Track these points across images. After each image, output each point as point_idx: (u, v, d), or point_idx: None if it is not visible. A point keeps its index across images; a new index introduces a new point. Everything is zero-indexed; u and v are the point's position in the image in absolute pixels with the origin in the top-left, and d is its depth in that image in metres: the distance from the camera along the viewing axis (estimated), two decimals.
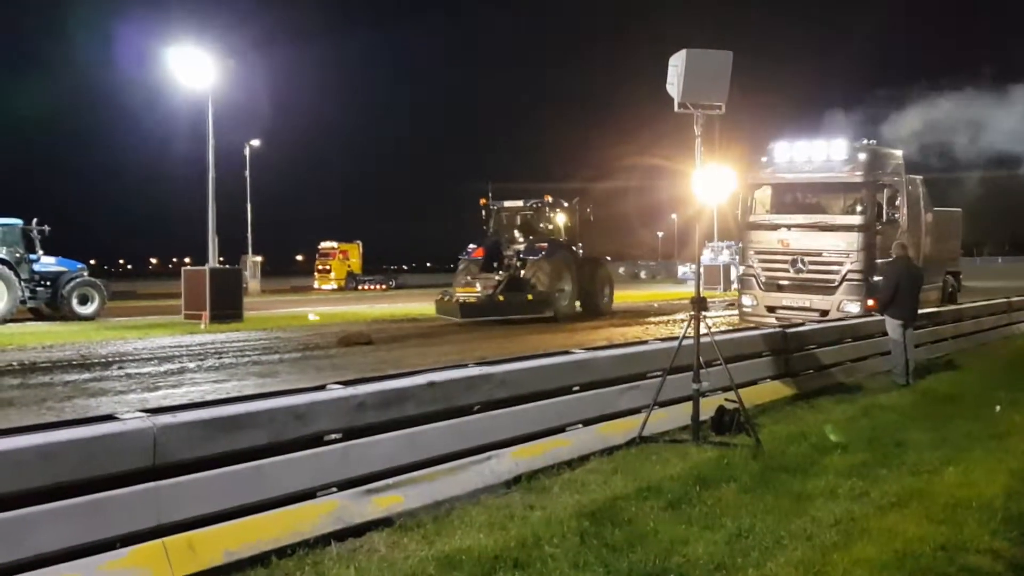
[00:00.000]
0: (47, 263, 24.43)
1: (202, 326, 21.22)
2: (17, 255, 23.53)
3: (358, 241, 56.03)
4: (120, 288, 42.23)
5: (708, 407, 7.97)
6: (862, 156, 17.19)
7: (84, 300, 24.52)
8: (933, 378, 11.89)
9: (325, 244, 54.99)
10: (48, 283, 24.07)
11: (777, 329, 10.88)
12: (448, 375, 6.45)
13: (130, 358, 15.18)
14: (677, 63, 7.87)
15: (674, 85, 7.90)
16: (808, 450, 7.55)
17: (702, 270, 8.53)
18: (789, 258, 17.68)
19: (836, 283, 16.96)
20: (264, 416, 5.17)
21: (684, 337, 7.90)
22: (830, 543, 5.27)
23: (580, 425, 7.33)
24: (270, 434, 5.14)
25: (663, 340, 8.88)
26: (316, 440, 5.41)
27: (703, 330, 7.87)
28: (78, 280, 24.53)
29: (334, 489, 5.38)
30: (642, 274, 72.19)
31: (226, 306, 22.49)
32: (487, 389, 6.58)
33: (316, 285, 53.12)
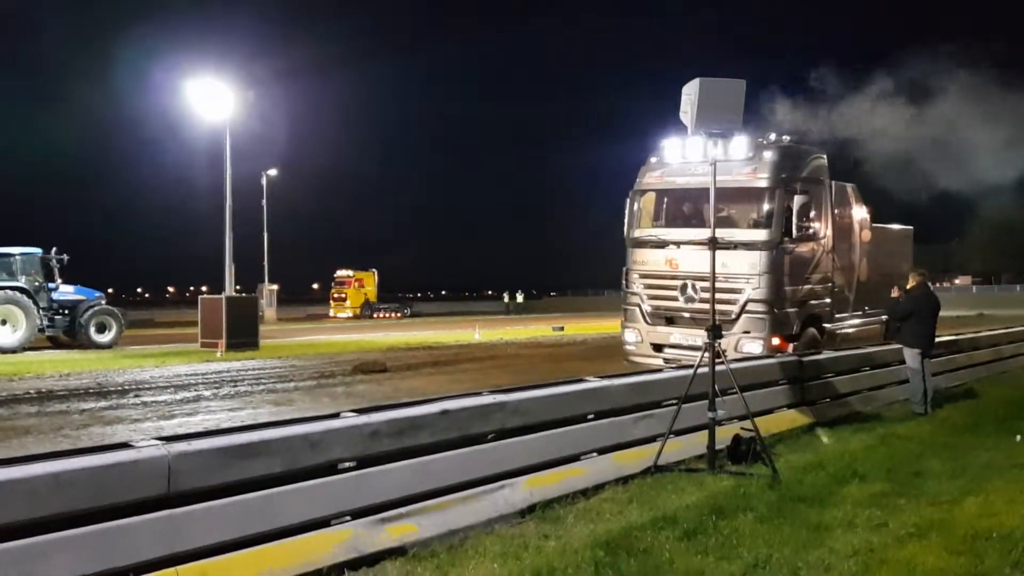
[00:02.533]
0: (65, 291, 24.67)
1: (218, 354, 21.30)
2: (36, 283, 23.77)
3: (373, 269, 56.31)
4: (138, 316, 42.48)
5: (724, 436, 7.91)
6: (768, 155, 13.16)
7: (102, 328, 24.70)
8: (952, 407, 11.75)
9: (341, 272, 55.30)
10: (66, 311, 24.27)
11: (793, 357, 10.80)
12: (462, 403, 6.43)
13: (146, 386, 15.24)
14: (690, 92, 7.91)
15: (687, 113, 7.95)
16: (826, 480, 7.46)
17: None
18: (678, 283, 13.56)
19: (733, 315, 12.89)
20: (278, 444, 5.17)
21: (699, 365, 7.86)
22: (849, 574, 5.20)
23: (595, 454, 7.28)
24: (284, 462, 5.13)
25: (678, 368, 8.83)
26: (330, 468, 5.39)
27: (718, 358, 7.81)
28: (96, 308, 24.72)
29: (348, 518, 5.36)
30: None
31: (242, 334, 22.59)
32: (500, 417, 6.55)
33: (332, 313, 53.34)
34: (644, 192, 14.41)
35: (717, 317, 11.80)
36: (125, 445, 4.69)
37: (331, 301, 55.26)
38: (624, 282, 14.56)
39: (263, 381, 15.93)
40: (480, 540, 5.70)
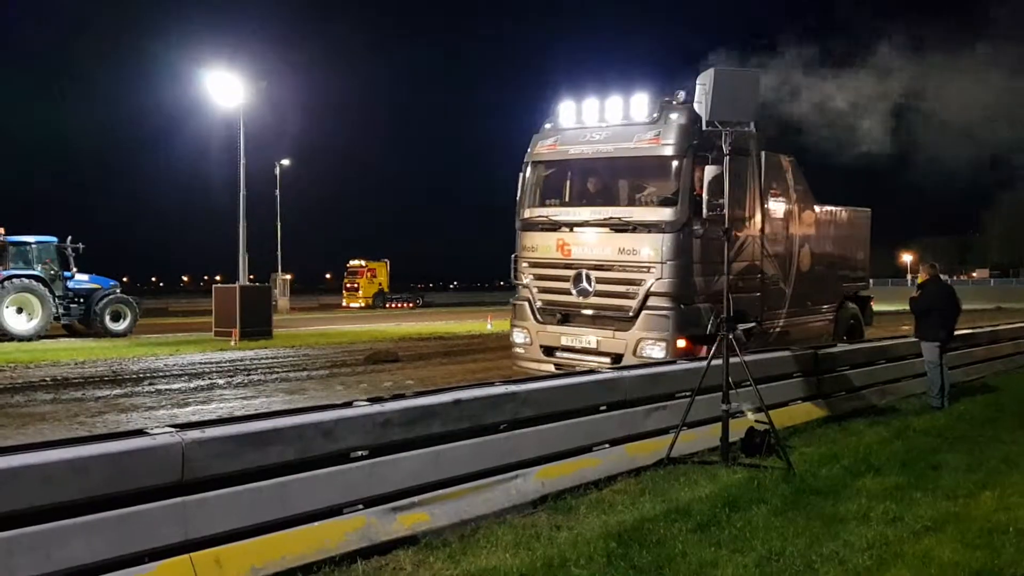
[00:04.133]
0: (81, 280, 24.83)
1: (232, 343, 21.40)
2: (52, 272, 23.93)
3: (386, 260, 56.36)
4: (152, 305, 42.72)
5: (738, 428, 7.88)
6: (675, 117, 10.86)
7: (116, 317, 24.85)
8: (969, 401, 11.67)
9: (353, 262, 55.38)
10: (81, 300, 24.44)
11: (808, 350, 10.73)
12: (474, 393, 6.43)
13: (161, 374, 15.33)
14: (705, 81, 7.87)
15: (702, 103, 7.90)
16: (840, 473, 7.43)
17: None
18: (572, 272, 11.42)
19: (632, 312, 10.85)
20: (291, 432, 5.17)
21: (713, 357, 7.83)
22: (863, 567, 5.17)
23: (607, 445, 7.27)
24: (297, 450, 5.14)
25: (691, 360, 8.80)
26: (343, 457, 5.40)
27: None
28: (111, 297, 24.87)
29: (360, 506, 5.37)
30: None
31: (256, 323, 22.69)
32: (512, 408, 6.54)
33: (344, 303, 53.45)
34: (535, 164, 12.15)
35: (612, 314, 10.92)
36: (140, 432, 4.71)
37: (344, 291, 55.37)
38: (512, 272, 12.41)
39: (276, 370, 15.99)
40: (492, 530, 5.70)
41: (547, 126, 12.15)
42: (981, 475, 7.42)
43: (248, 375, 15.20)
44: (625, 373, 7.84)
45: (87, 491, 4.24)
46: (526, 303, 12.11)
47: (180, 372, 15.66)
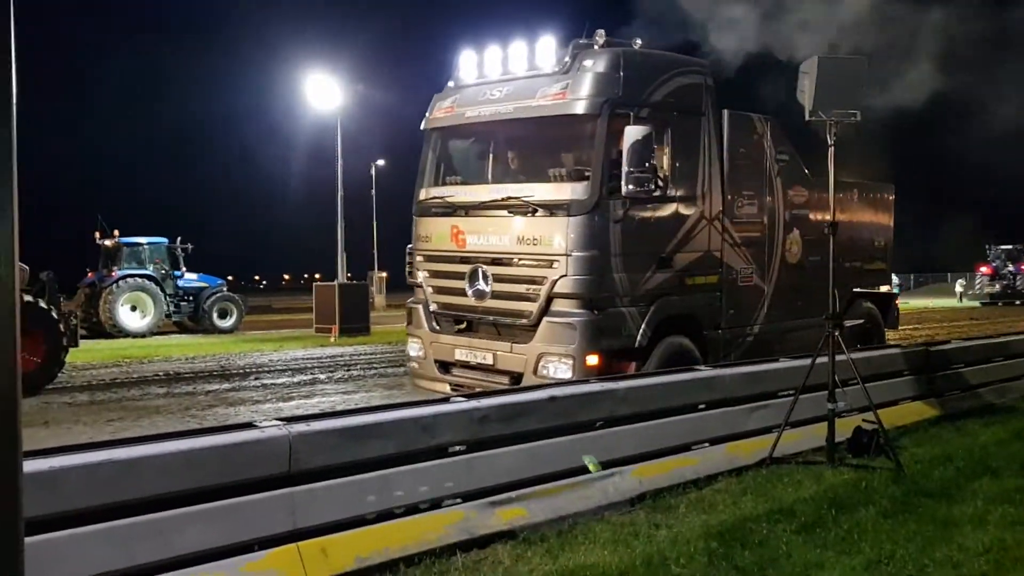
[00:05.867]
0: (190, 279, 25.94)
1: (332, 339, 21.97)
2: (163, 272, 25.08)
3: None
4: (256, 303, 44.22)
5: (844, 428, 7.61)
6: (589, 64, 8.38)
7: (224, 314, 25.87)
8: None
9: None
10: (191, 298, 25.53)
11: (919, 347, 10.24)
12: (569, 390, 6.42)
13: (265, 369, 15.87)
14: (808, 70, 7.59)
15: (805, 93, 7.62)
16: (954, 474, 7.09)
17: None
18: (467, 268, 9.02)
19: (533, 319, 8.41)
20: (391, 427, 5.28)
21: (818, 354, 7.58)
22: (979, 572, 4.93)
23: (707, 444, 7.14)
24: (397, 444, 5.24)
25: (795, 358, 8.54)
26: (441, 451, 5.47)
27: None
28: (218, 295, 25.90)
29: (459, 500, 5.43)
30: None
31: (354, 320, 23.22)
32: (609, 405, 6.50)
33: None
34: (431, 133, 9.82)
35: (511, 321, 8.54)
36: (249, 425, 4.90)
37: None
38: (408, 268, 10.10)
39: (375, 365, 16.33)
40: (590, 527, 5.68)
41: (449, 84, 9.74)
42: None
43: (348, 370, 15.58)
44: (725, 371, 7.69)
45: (200, 481, 4.43)
46: (420, 306, 9.70)
47: (284, 367, 16.17)
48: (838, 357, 7.51)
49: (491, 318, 8.89)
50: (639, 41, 8.85)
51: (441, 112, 9.60)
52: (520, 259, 8.54)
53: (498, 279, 8.78)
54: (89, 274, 24.98)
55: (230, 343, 21.77)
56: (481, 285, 8.90)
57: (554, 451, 6.04)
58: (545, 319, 8.33)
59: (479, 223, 8.94)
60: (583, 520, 5.77)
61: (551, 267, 8.25)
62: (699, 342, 9.17)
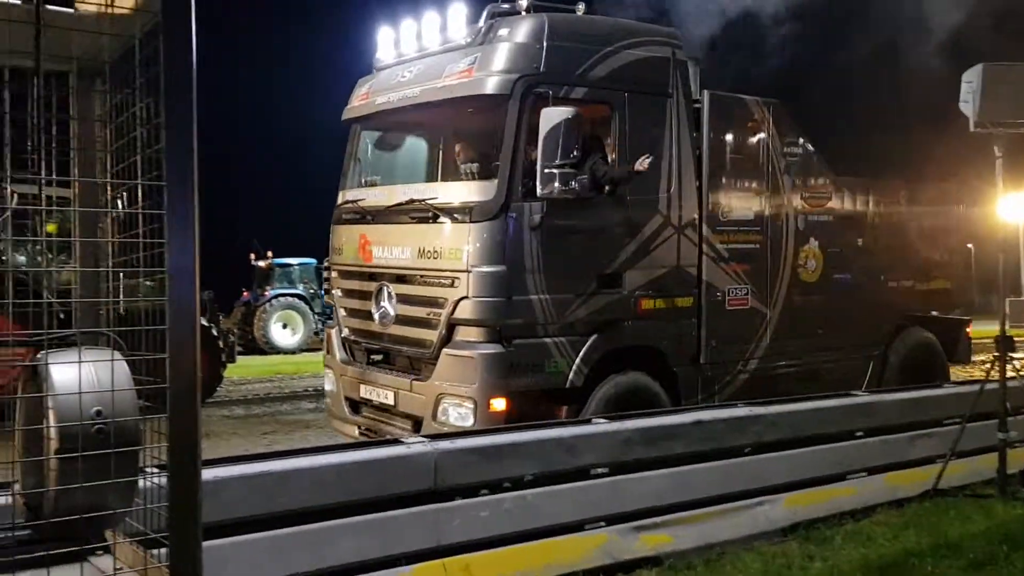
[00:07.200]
0: None
1: None
2: (311, 291, 26.26)
3: None
4: None
5: (1016, 460, 7.04)
6: (505, 34, 6.87)
7: None
8: None
9: None
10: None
11: None
12: (716, 414, 6.26)
13: None
14: (972, 79, 7.09)
15: (969, 103, 7.10)
16: None
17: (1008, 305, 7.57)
18: (374, 286, 7.57)
19: (434, 351, 6.83)
20: (533, 447, 5.29)
21: (987, 380, 7.05)
22: None
23: (864, 473, 6.75)
24: (539, 464, 5.22)
25: (960, 383, 7.98)
26: (583, 473, 5.41)
27: (1010, 372, 6.97)
28: None
29: (602, 523, 5.35)
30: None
31: None
32: (758, 430, 6.27)
33: None
34: (351, 125, 8.38)
35: (413, 352, 7.10)
36: (396, 441, 5.02)
37: None
38: (324, 286, 8.46)
39: None
40: (739, 556, 5.47)
41: (375, 68, 8.35)
42: None
43: None
44: (884, 396, 7.29)
45: (351, 495, 4.55)
46: (334, 331, 8.31)
47: None
48: (1010, 383, 6.96)
49: (396, 348, 7.42)
50: (582, 6, 7.26)
51: (357, 101, 8.18)
52: (423, 276, 7.01)
53: (402, 299, 7.22)
54: (244, 293, 26.46)
55: None
56: (387, 307, 7.37)
57: (701, 477, 5.87)
58: (444, 351, 6.71)
59: (384, 232, 7.47)
60: (732, 549, 5.57)
61: (452, 286, 6.68)
62: (667, 379, 7.35)
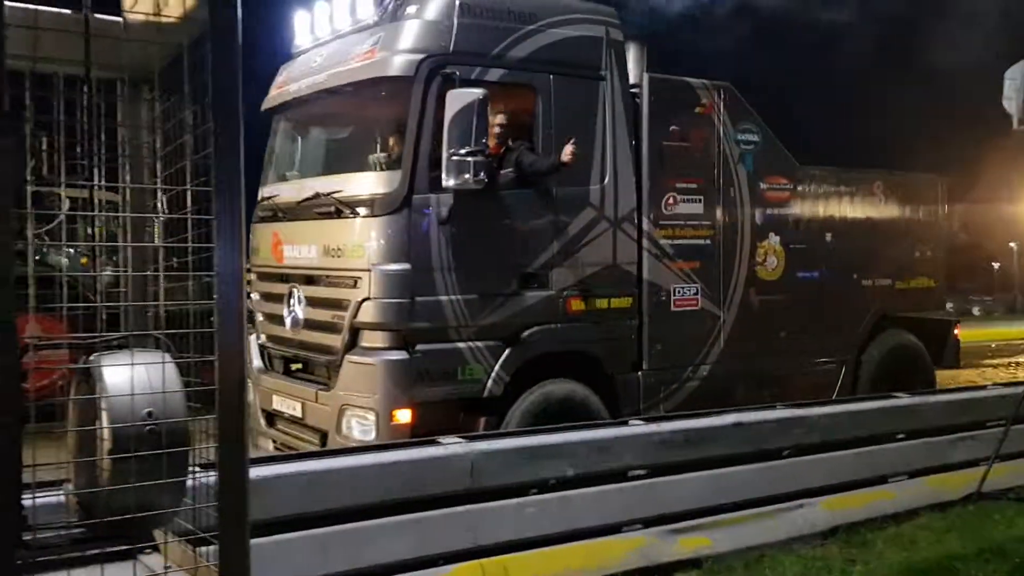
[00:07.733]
0: None
1: None
2: None
3: None
4: None
5: None
6: (413, 11, 6.27)
7: None
8: None
9: None
10: None
11: None
12: (756, 416, 6.19)
13: None
14: (1015, 76, 7.00)
15: (1012, 100, 7.01)
16: None
17: None
18: (285, 289, 7.04)
19: (338, 358, 6.27)
20: (570, 448, 5.27)
21: None
22: None
23: (905, 476, 6.66)
24: (575, 465, 5.22)
25: (1005, 385, 7.83)
26: (620, 475, 5.40)
27: None
28: None
29: (639, 525, 5.32)
30: (975, 310, 62.79)
31: None
32: (798, 433, 6.21)
33: None
34: (269, 116, 7.81)
35: (318, 358, 6.64)
36: (433, 441, 5.04)
37: None
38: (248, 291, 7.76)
39: None
40: (778, 559, 5.41)
41: (293, 54, 7.85)
42: None
43: None
44: (927, 399, 7.18)
45: (389, 494, 4.58)
46: (252, 337, 7.53)
47: None
48: None
49: (306, 354, 6.94)
50: None
51: (274, 90, 7.66)
52: (328, 276, 6.51)
53: (309, 302, 6.71)
54: None
55: None
56: (296, 310, 6.82)
57: (739, 479, 5.82)
58: (346, 358, 6.16)
59: (293, 230, 6.99)
60: (771, 552, 5.52)
61: (355, 286, 6.15)
62: (604, 387, 6.78)
